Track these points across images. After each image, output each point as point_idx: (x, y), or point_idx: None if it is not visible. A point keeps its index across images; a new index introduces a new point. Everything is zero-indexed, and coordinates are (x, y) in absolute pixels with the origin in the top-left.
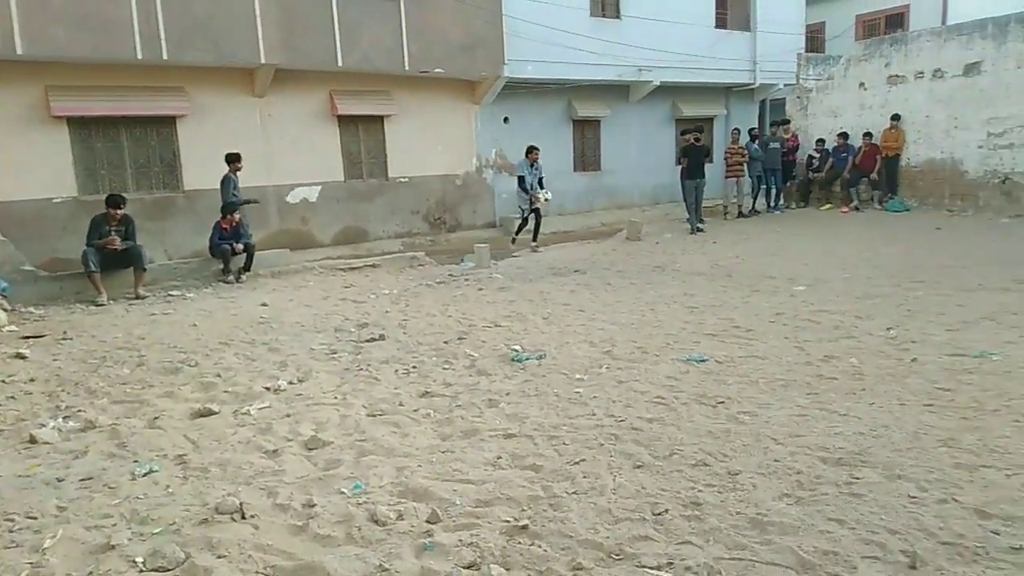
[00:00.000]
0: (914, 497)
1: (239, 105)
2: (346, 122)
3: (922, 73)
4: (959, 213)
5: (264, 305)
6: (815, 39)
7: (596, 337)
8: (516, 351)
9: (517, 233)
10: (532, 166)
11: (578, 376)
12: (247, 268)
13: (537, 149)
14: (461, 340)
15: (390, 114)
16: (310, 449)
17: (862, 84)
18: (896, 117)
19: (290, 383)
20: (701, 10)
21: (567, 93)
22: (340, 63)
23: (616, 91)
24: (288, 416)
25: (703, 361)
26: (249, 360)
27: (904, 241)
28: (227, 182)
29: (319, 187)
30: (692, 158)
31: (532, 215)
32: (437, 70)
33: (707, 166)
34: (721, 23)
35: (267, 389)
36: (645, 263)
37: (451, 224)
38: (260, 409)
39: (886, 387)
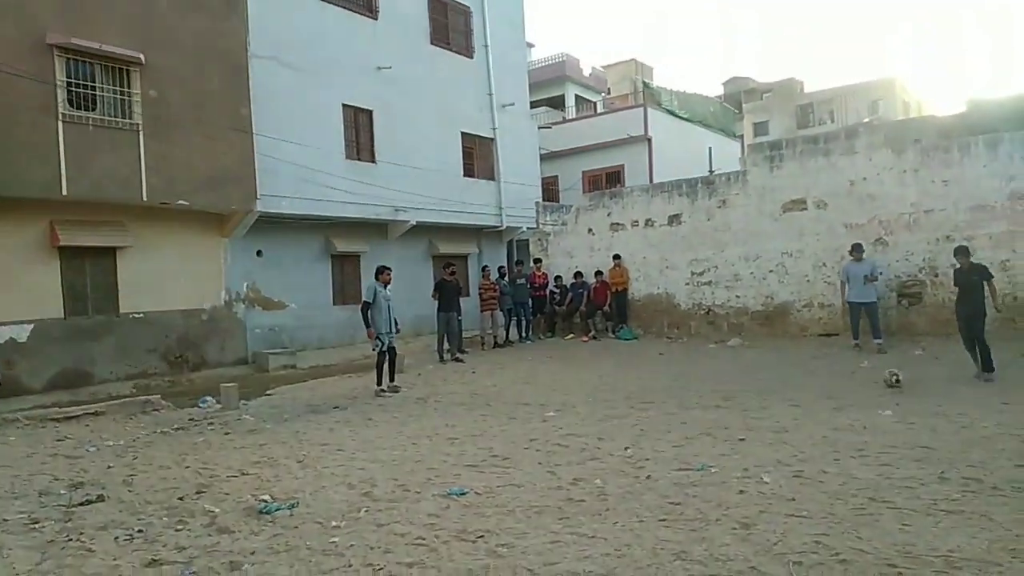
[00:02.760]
0: None
1: None
2: (70, 254)
3: (637, 222)
4: (677, 340)
5: None
6: (550, 190)
7: (355, 478)
8: (264, 502)
9: (380, 380)
10: (386, 288)
11: (334, 524)
12: None
13: (389, 269)
14: (200, 494)
15: (124, 246)
16: None
17: (590, 229)
18: (617, 256)
19: None
20: (450, 159)
21: (325, 229)
22: (64, 191)
23: (374, 228)
24: None
25: (463, 494)
26: None
27: (635, 366)
28: None
29: (30, 325)
30: (445, 292)
31: (388, 352)
32: (180, 202)
33: (464, 300)
34: (469, 172)
35: None
36: (407, 395)
37: (195, 362)
38: None
39: (627, 505)
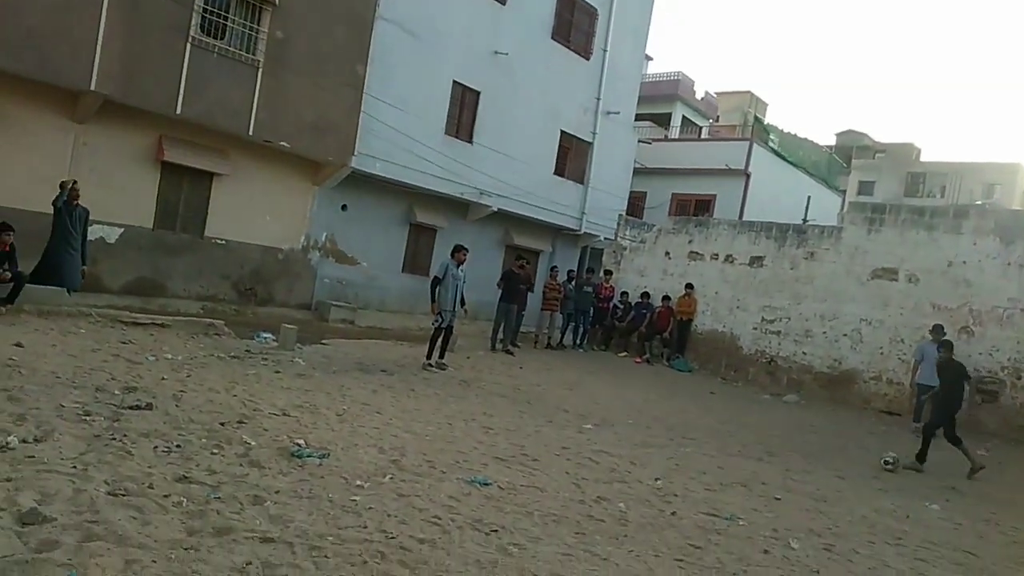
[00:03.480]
0: None
1: (53, 127)
2: (171, 170)
3: (717, 255)
4: (732, 382)
5: (18, 346)
6: (636, 205)
7: (387, 443)
8: (299, 446)
9: (430, 354)
10: (459, 268)
11: (358, 483)
12: (11, 300)
13: (466, 250)
14: (241, 425)
15: (222, 173)
16: (24, 524)
17: (668, 253)
18: (690, 286)
19: (23, 441)
20: (544, 154)
21: (409, 197)
22: (179, 111)
23: (456, 206)
24: (9, 480)
25: (487, 485)
26: None
27: (683, 399)
28: (60, 211)
29: (121, 229)
30: (511, 283)
31: (445, 329)
32: (282, 143)
33: (528, 296)
34: (560, 171)
35: None
36: (453, 375)
37: (263, 297)
38: None
39: (646, 536)
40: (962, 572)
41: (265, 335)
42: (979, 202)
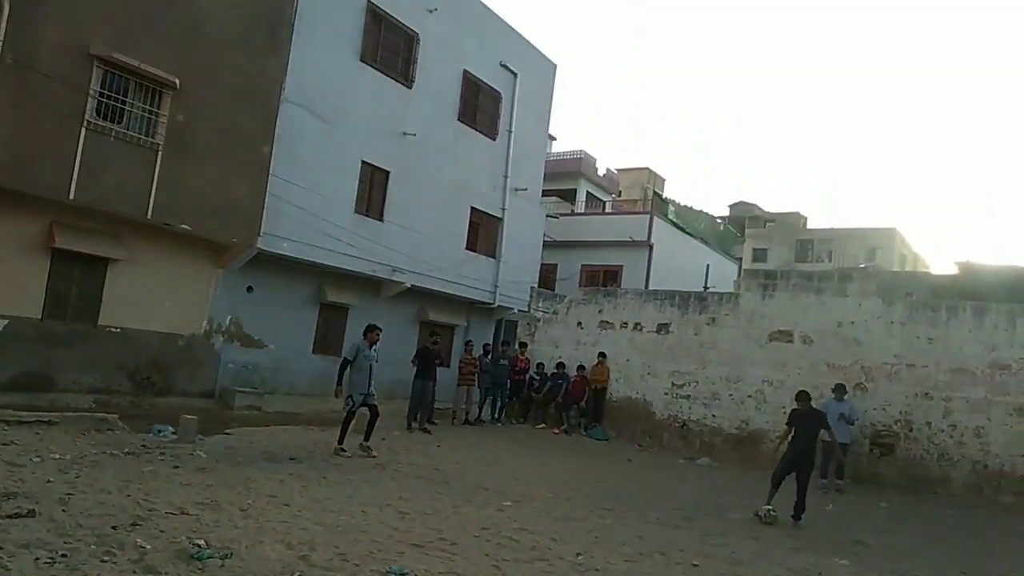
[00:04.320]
0: None
1: None
2: (62, 257)
3: (626, 324)
4: (647, 448)
5: None
6: (548, 277)
7: (296, 538)
8: (198, 547)
9: (342, 438)
10: (371, 348)
11: None
12: None
13: (380, 329)
14: (134, 527)
15: (118, 258)
16: None
17: (580, 323)
18: (602, 354)
19: None
20: (456, 230)
21: (319, 277)
22: (72, 196)
23: (368, 284)
24: None
25: (404, 574)
26: None
27: (602, 468)
28: None
29: (5, 321)
30: (425, 360)
31: (366, 409)
32: (183, 226)
33: (442, 371)
34: (472, 246)
35: None
36: (368, 460)
37: (161, 387)
38: None
39: None
40: None
41: (163, 428)
42: (862, 265)
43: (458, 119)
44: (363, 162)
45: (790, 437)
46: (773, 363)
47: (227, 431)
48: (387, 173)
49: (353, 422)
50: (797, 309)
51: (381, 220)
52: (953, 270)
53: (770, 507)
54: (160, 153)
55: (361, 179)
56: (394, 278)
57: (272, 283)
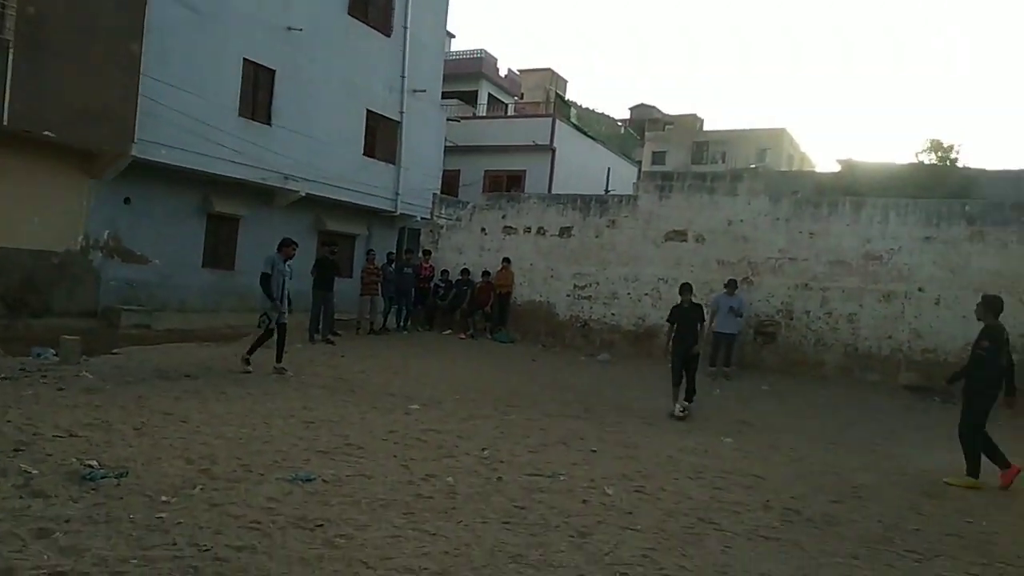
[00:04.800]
0: None
1: None
2: None
3: (530, 228)
4: (551, 348)
5: None
6: (451, 184)
7: (195, 452)
8: (90, 467)
9: (252, 351)
10: (285, 263)
11: (164, 499)
12: None
13: (295, 244)
14: (17, 452)
15: None
16: None
17: (484, 229)
18: (507, 260)
19: None
20: (352, 135)
21: (204, 186)
22: None
23: (260, 193)
24: None
25: (310, 480)
26: None
27: (506, 369)
28: None
29: None
30: (324, 270)
31: (277, 328)
32: (46, 132)
33: (342, 281)
34: (370, 152)
35: None
36: (266, 372)
37: (36, 308)
38: None
39: (474, 505)
40: (752, 493)
41: (43, 350)
42: (752, 166)
43: (348, 13)
44: (245, 60)
45: (674, 332)
46: (668, 261)
47: (114, 351)
48: (272, 72)
49: (269, 339)
50: (691, 209)
51: (269, 124)
52: (836, 168)
53: (680, 406)
54: (11, 51)
55: (244, 79)
56: (287, 186)
57: (153, 194)
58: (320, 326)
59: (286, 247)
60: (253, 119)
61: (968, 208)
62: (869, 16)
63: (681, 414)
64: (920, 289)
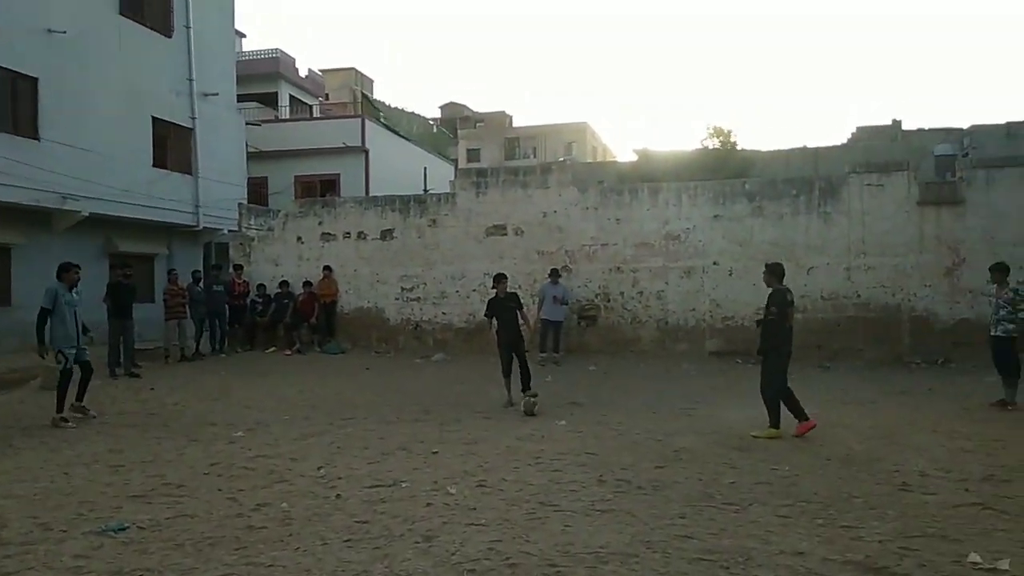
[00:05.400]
0: None
1: None
2: None
3: (349, 233)
4: (384, 354)
5: None
6: (259, 192)
7: None
8: None
9: (61, 402)
10: (71, 291)
11: None
12: None
13: (77, 267)
14: None
15: None
16: None
17: (300, 238)
18: (328, 268)
19: None
20: (138, 146)
21: None
22: None
23: (35, 217)
24: None
25: (123, 529)
26: None
27: (339, 381)
28: None
29: None
30: (119, 296)
31: (79, 367)
32: None
33: (143, 307)
34: (160, 163)
35: None
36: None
37: None
38: None
39: (312, 528)
40: (587, 470)
41: None
42: (561, 159)
43: (120, 13)
44: (0, 68)
45: (495, 324)
46: (491, 256)
47: None
48: (34, 80)
49: (69, 382)
50: (508, 204)
51: (37, 138)
52: (634, 158)
53: (530, 400)
54: None
55: (1, 89)
56: (66, 207)
57: None
58: (121, 358)
59: (66, 272)
60: (16, 133)
61: (747, 186)
62: (655, 13)
63: (533, 412)
64: (715, 263)
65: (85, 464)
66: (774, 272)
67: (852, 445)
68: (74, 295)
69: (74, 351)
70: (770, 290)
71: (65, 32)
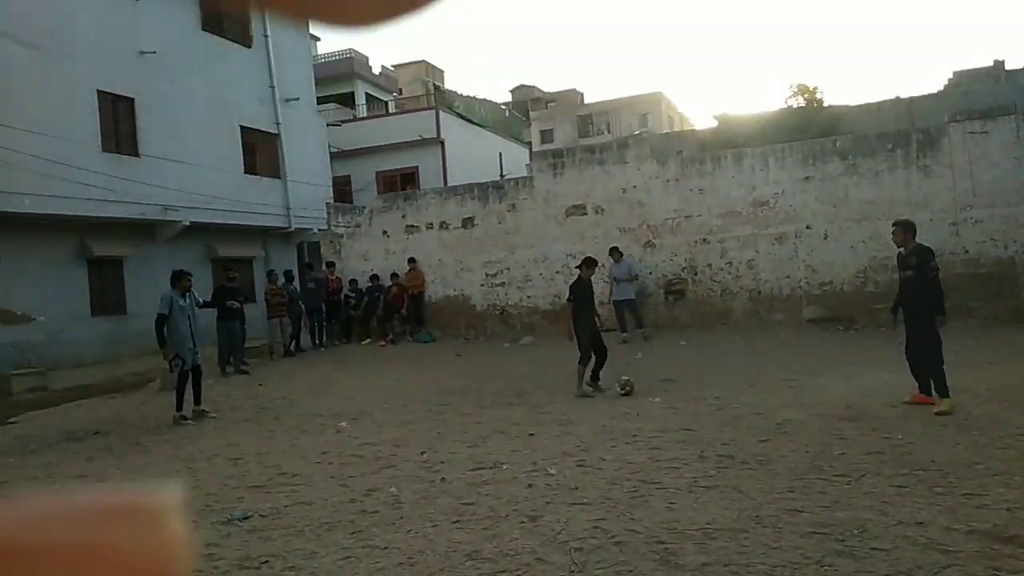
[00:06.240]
0: None
1: None
2: None
3: (432, 224)
4: (473, 340)
5: None
6: (343, 190)
7: None
8: None
9: (180, 403)
10: (184, 297)
11: None
12: None
13: (189, 274)
14: None
15: None
16: None
17: (385, 232)
18: (412, 260)
19: None
20: (229, 155)
21: (79, 230)
22: None
23: (140, 229)
24: None
25: (247, 518)
26: None
27: (432, 369)
28: None
29: None
30: (224, 299)
31: (192, 371)
32: None
33: (249, 307)
34: (251, 169)
35: None
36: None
37: None
38: None
39: (421, 511)
40: (687, 447)
41: None
42: (636, 132)
43: (203, 28)
44: (99, 91)
45: (573, 309)
46: (572, 236)
47: (11, 420)
48: (131, 101)
49: (188, 384)
50: (586, 182)
51: (137, 155)
52: (713, 124)
53: (622, 383)
54: None
55: (101, 112)
56: (168, 218)
57: (24, 248)
58: (231, 357)
59: (180, 280)
60: (119, 152)
61: (839, 144)
62: None
63: (628, 391)
64: (808, 227)
65: (207, 459)
66: (908, 228)
67: (970, 409)
68: (187, 300)
69: (191, 352)
70: (901, 249)
71: (155, 52)
